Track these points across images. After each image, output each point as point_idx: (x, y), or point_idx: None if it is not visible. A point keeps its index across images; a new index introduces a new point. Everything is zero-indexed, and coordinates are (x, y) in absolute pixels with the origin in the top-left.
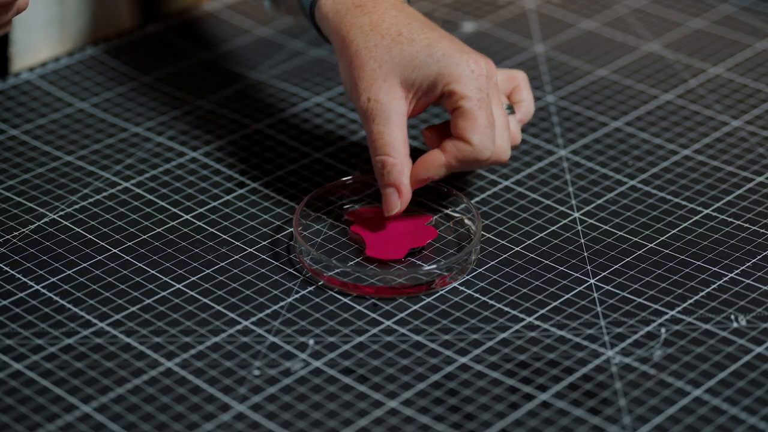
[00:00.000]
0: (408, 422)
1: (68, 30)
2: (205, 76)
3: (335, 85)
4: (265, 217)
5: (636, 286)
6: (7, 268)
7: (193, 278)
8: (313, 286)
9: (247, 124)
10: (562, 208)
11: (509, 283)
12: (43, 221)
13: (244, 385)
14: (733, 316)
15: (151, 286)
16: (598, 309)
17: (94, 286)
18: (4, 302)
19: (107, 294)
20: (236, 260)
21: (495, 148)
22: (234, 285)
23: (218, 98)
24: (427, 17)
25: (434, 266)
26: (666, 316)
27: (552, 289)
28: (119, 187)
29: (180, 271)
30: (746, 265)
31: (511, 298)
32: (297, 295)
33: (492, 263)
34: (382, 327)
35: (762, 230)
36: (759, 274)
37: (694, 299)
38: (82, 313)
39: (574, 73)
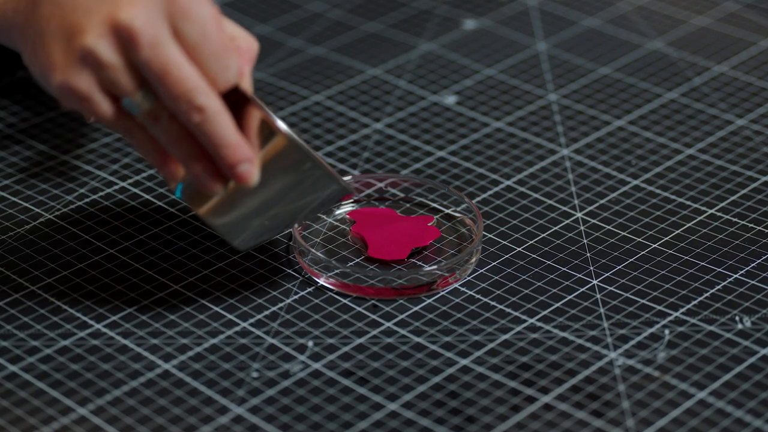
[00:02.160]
0: (408, 425)
1: None
2: None
3: (335, 83)
4: None
5: (639, 287)
6: (2, 269)
7: (190, 279)
8: (313, 287)
9: None
10: (564, 208)
11: (511, 284)
12: (39, 221)
13: (243, 387)
14: (737, 318)
15: (148, 287)
16: (601, 310)
17: (91, 287)
18: (0, 303)
19: (104, 295)
20: (234, 261)
21: None
22: (232, 286)
23: None
24: (428, 14)
25: (435, 267)
26: (670, 318)
27: (554, 290)
28: (116, 187)
29: (177, 272)
30: (751, 265)
31: (513, 299)
32: (296, 296)
33: (493, 264)
34: (382, 328)
35: (767, 230)
36: (764, 274)
37: (698, 300)
38: (79, 315)
39: (577, 71)
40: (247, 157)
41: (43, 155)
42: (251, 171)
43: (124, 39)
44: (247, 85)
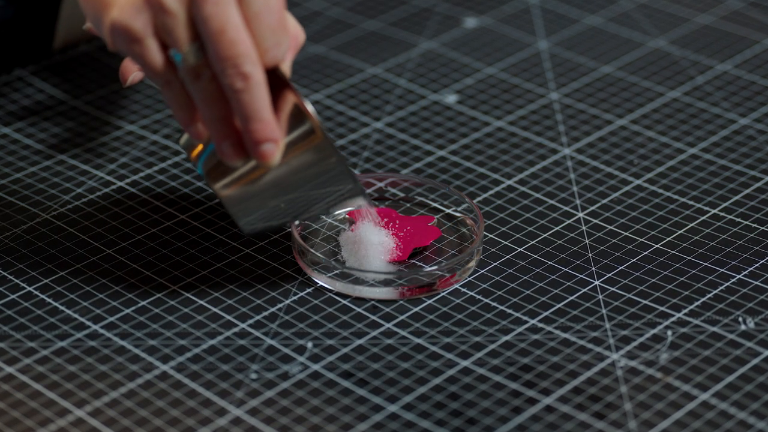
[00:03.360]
0: (409, 427)
1: None
2: None
3: (335, 82)
4: None
5: (642, 287)
6: None
7: (189, 280)
8: (312, 288)
9: None
10: (566, 208)
11: (512, 285)
12: (35, 221)
13: (241, 388)
14: (741, 319)
15: (146, 288)
16: (603, 311)
17: (88, 288)
18: None
19: (101, 296)
20: (233, 261)
21: None
22: (231, 286)
23: None
24: (429, 13)
25: (435, 267)
26: (672, 319)
27: (556, 291)
28: (113, 187)
29: (176, 273)
30: (754, 266)
31: (514, 299)
32: (295, 297)
33: (494, 264)
34: (382, 329)
35: None
36: (767, 275)
37: (701, 301)
38: (76, 315)
39: (579, 69)
40: (273, 137)
41: (40, 155)
42: (274, 151)
43: None
44: (286, 70)
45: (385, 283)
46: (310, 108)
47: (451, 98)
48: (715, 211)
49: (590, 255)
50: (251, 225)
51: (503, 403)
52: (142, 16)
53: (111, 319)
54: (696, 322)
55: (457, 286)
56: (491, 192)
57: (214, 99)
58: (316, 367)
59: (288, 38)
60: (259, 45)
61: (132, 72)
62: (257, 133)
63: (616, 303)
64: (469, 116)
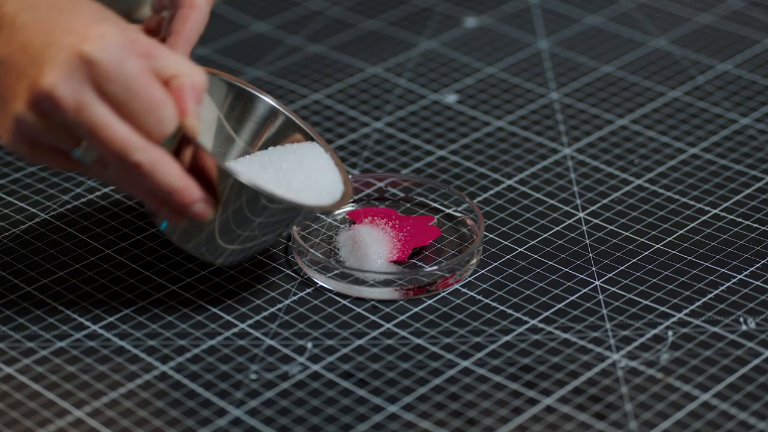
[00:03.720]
0: (409, 427)
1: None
2: None
3: (335, 82)
4: None
5: (642, 287)
6: None
7: (188, 280)
8: (312, 288)
9: None
10: (566, 208)
11: (512, 285)
12: (34, 221)
13: (241, 389)
14: (741, 319)
15: (145, 288)
16: (604, 311)
17: (87, 288)
18: None
19: (101, 296)
20: None
21: None
22: (230, 287)
23: None
24: (429, 12)
25: (435, 267)
26: (673, 319)
27: (556, 291)
28: (113, 187)
29: (175, 273)
30: (755, 266)
31: (515, 300)
32: (295, 297)
33: (495, 264)
34: (382, 330)
35: None
36: None
37: (702, 301)
38: (75, 316)
39: (579, 69)
40: (195, 199)
41: None
42: (203, 209)
43: (48, 106)
44: (193, 123)
45: (385, 283)
46: (230, 164)
47: (451, 98)
48: (715, 211)
49: (591, 255)
50: (226, 260)
51: (503, 404)
52: (24, 137)
53: (110, 319)
54: (697, 322)
55: (457, 286)
56: (491, 192)
57: (129, 181)
58: (315, 367)
59: (169, 107)
60: (142, 128)
61: None
62: (179, 201)
63: (616, 303)
64: (470, 116)
